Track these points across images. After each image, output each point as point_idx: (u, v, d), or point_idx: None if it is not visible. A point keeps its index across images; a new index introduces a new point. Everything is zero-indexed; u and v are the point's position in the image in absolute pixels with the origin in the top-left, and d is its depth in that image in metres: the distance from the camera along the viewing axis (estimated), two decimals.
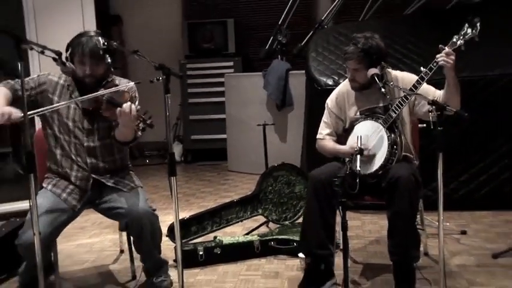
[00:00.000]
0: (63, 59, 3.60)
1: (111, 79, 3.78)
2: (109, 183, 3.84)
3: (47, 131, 3.82)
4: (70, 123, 3.75)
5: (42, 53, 3.59)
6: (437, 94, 3.74)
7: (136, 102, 3.71)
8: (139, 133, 3.63)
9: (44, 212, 3.39)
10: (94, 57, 3.62)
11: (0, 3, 6.74)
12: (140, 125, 3.54)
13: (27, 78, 3.68)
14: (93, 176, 3.81)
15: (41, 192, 3.68)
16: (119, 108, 3.51)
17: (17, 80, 3.62)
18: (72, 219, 3.84)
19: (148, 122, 3.50)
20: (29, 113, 3.43)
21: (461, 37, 3.56)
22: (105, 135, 3.80)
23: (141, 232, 3.82)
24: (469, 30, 3.54)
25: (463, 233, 4.87)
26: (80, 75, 3.71)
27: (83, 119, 3.74)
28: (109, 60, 3.57)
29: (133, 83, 3.79)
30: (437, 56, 3.59)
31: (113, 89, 3.60)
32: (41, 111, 3.54)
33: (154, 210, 3.92)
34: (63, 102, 3.61)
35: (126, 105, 3.48)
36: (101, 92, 3.57)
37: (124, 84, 3.82)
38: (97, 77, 3.70)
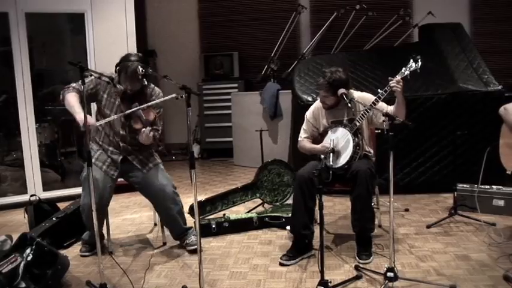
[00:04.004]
0: (115, 82, 3.69)
1: (148, 91, 3.87)
2: (134, 162, 3.94)
3: (98, 116, 3.92)
4: (113, 115, 3.81)
5: (99, 78, 3.65)
6: (389, 109, 3.76)
7: (152, 115, 3.79)
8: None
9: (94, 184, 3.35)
10: (132, 79, 3.68)
11: (71, 43, 6.81)
12: (153, 147, 3.67)
13: (87, 81, 3.77)
14: (124, 154, 3.92)
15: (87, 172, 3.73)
16: (142, 129, 3.66)
17: (78, 82, 3.75)
18: (113, 184, 3.94)
19: (159, 148, 3.59)
20: (97, 123, 3.66)
21: (407, 69, 3.62)
22: (133, 130, 3.85)
23: (162, 205, 3.96)
24: (413, 64, 3.61)
25: (406, 210, 4.89)
26: (122, 88, 3.78)
27: (121, 116, 3.78)
28: (145, 82, 3.63)
29: (162, 99, 3.82)
30: (391, 82, 3.62)
31: (143, 106, 3.65)
32: (104, 122, 3.70)
33: (175, 188, 4.00)
34: (115, 116, 3.70)
35: (146, 131, 3.63)
36: (136, 108, 3.63)
37: (157, 93, 3.96)
38: (134, 90, 3.76)
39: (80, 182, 3.98)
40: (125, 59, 3.76)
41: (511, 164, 3.92)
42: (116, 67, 3.81)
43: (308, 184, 3.67)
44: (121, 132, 3.89)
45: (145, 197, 4.04)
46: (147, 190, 3.96)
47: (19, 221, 4.87)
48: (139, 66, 3.59)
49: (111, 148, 3.91)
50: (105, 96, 3.86)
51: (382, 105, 3.80)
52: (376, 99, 3.72)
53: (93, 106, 4.19)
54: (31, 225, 4.44)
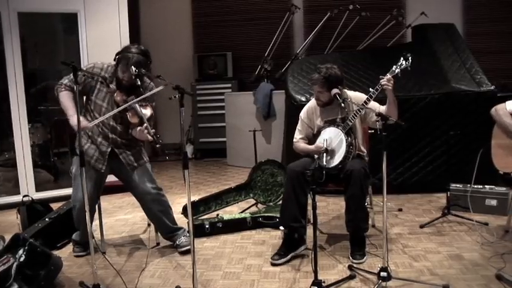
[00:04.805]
0: (108, 81, 3.69)
1: (144, 86, 3.76)
2: (120, 157, 3.90)
3: (88, 106, 3.88)
4: (104, 105, 3.81)
5: (92, 78, 3.63)
6: (382, 109, 3.77)
7: (149, 111, 3.73)
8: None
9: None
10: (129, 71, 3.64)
11: (65, 43, 6.81)
12: (152, 143, 3.62)
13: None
14: (112, 146, 3.88)
15: (77, 161, 3.69)
16: (138, 128, 3.63)
17: (68, 77, 3.75)
18: (102, 179, 3.93)
19: (157, 146, 3.55)
20: (90, 124, 3.65)
21: (398, 67, 3.62)
22: (125, 123, 3.82)
23: (145, 206, 3.96)
24: (404, 62, 3.61)
25: (400, 210, 4.91)
26: (120, 77, 3.75)
27: (113, 106, 3.77)
28: (139, 83, 3.60)
29: (157, 89, 3.79)
30: (381, 81, 3.63)
31: (140, 98, 3.61)
32: (97, 121, 3.66)
33: (160, 189, 3.98)
34: (111, 112, 3.62)
35: (142, 129, 3.58)
36: (133, 101, 3.59)
37: (150, 86, 3.90)
38: (131, 82, 3.70)
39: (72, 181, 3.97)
40: (126, 49, 3.74)
41: (503, 164, 3.95)
42: (116, 55, 3.78)
43: (299, 178, 3.68)
44: (111, 123, 3.84)
45: (132, 194, 4.07)
46: (131, 190, 4.00)
47: (12, 222, 4.85)
48: (133, 67, 3.57)
49: (100, 139, 3.86)
50: (98, 86, 3.81)
51: (374, 104, 3.81)
52: (367, 98, 3.73)
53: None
54: (24, 226, 4.42)
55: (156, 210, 3.95)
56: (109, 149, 3.88)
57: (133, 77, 3.58)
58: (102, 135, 3.86)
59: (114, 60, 3.78)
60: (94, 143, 3.87)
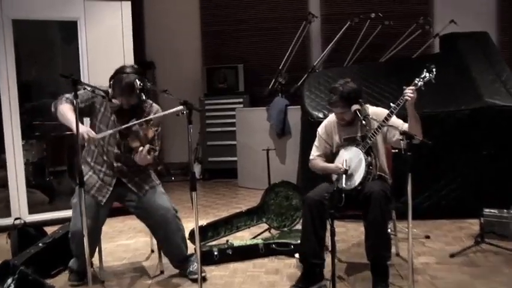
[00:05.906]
0: (110, 96, 3.71)
1: (146, 108, 3.80)
2: (129, 185, 3.90)
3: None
4: (109, 131, 3.80)
5: (93, 92, 3.67)
6: (405, 126, 3.75)
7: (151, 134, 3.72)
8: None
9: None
10: (128, 93, 3.67)
11: (65, 55, 6.88)
12: (153, 166, 3.63)
13: (82, 92, 3.75)
14: (118, 175, 3.88)
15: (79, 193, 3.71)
16: (140, 148, 3.61)
17: (70, 94, 3.72)
18: (103, 211, 3.90)
19: (159, 168, 3.58)
20: (99, 135, 3.66)
21: (421, 80, 3.61)
22: (129, 149, 3.82)
23: (159, 229, 3.94)
24: (427, 75, 3.60)
25: (427, 237, 4.86)
26: (118, 102, 3.77)
27: (116, 133, 3.81)
28: (144, 97, 3.63)
29: (160, 113, 3.80)
30: (405, 91, 3.62)
31: (141, 120, 3.65)
32: (107, 134, 3.72)
33: (176, 211, 3.97)
34: (116, 128, 3.70)
35: (144, 150, 3.56)
36: (131, 123, 3.64)
37: (154, 110, 3.93)
38: (131, 105, 3.74)
39: (70, 204, 3.97)
40: (120, 71, 3.76)
41: None
42: (109, 80, 3.80)
43: (318, 208, 3.66)
44: (115, 150, 3.86)
45: (143, 222, 4.03)
46: (146, 215, 3.95)
47: (1, 247, 4.86)
48: (137, 80, 3.60)
49: (103, 169, 3.88)
50: (102, 110, 3.86)
51: (397, 121, 3.79)
52: (388, 114, 3.71)
53: (86, 120, 4.20)
54: (14, 252, 4.43)
55: (177, 237, 3.93)
56: (114, 180, 3.89)
57: (138, 91, 3.61)
58: (106, 164, 3.88)
59: (109, 86, 3.81)
60: (96, 173, 3.89)
